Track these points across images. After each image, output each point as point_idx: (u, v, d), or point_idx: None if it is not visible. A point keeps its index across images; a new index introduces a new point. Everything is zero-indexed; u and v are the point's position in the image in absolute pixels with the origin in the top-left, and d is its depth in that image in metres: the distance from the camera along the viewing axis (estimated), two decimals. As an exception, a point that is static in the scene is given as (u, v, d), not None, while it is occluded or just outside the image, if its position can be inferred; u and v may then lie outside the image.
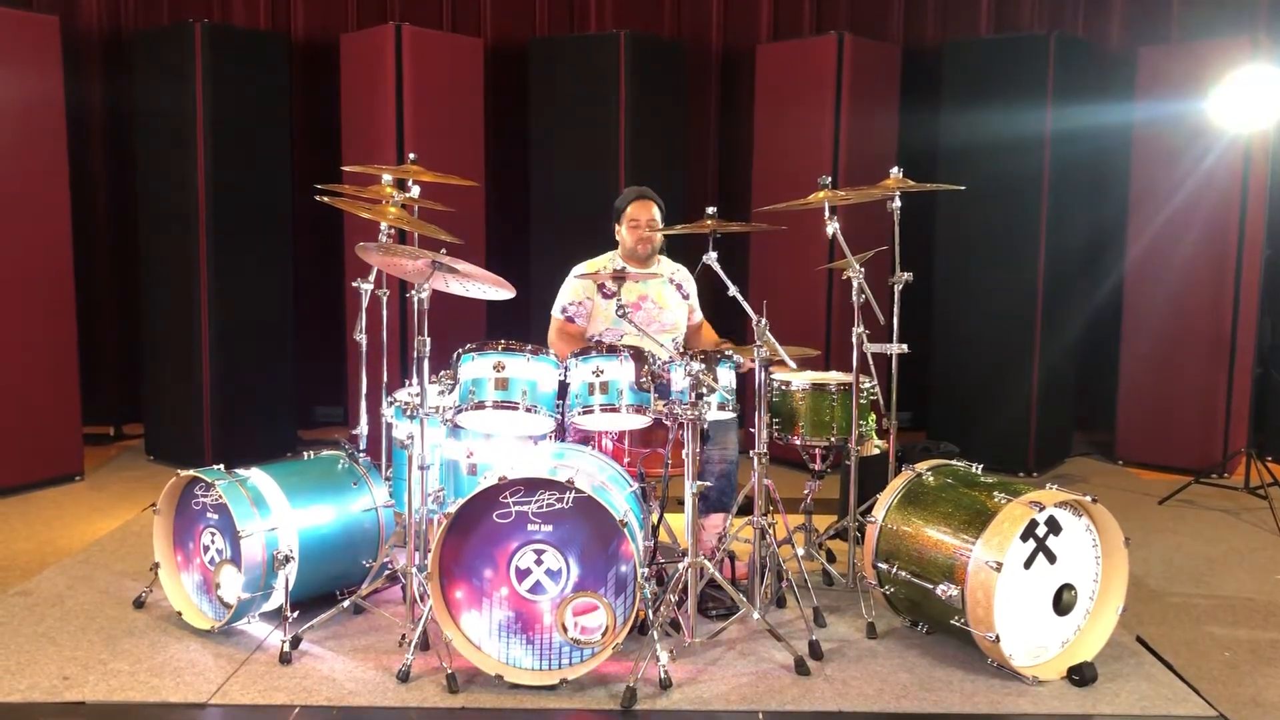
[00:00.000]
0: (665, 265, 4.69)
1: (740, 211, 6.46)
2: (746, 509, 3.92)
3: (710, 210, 3.67)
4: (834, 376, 4.29)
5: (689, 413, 3.41)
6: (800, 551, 4.14)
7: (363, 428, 4.35)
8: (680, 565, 3.52)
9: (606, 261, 4.68)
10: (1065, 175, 6.30)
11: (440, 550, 3.34)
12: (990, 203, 6.24)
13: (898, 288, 4.26)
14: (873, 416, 4.21)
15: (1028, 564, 3.38)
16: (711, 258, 3.59)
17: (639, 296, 4.54)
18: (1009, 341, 6.41)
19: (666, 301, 4.61)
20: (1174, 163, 6.35)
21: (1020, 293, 6.34)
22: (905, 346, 4.22)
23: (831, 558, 4.47)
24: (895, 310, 4.26)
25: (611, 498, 3.35)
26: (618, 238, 4.63)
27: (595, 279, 4.58)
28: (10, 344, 5.77)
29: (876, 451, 4.24)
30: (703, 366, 3.40)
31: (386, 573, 3.93)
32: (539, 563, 3.32)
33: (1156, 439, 6.65)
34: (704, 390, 3.43)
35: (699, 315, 4.79)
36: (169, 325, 6.45)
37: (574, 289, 4.65)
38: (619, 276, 3.64)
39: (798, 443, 4.18)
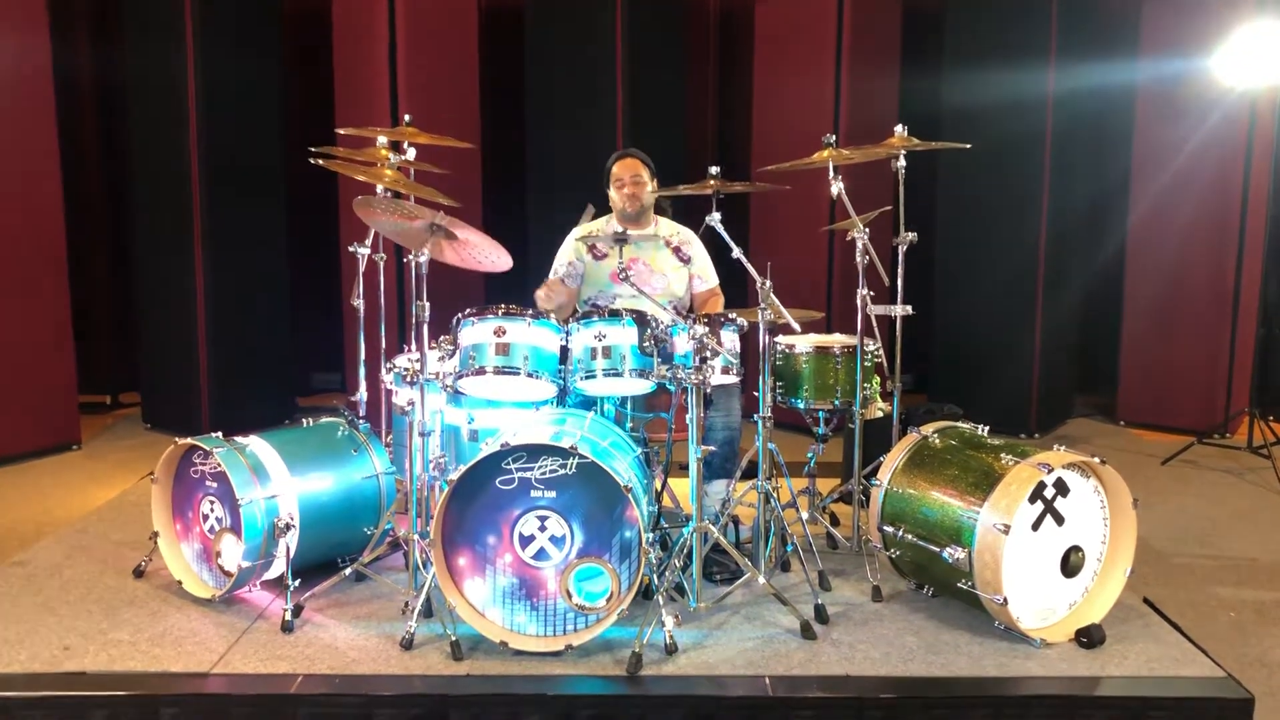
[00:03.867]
0: (665, 227, 4.62)
1: (740, 172, 6.39)
2: (750, 473, 3.89)
3: (713, 170, 3.61)
4: (837, 339, 4.24)
5: (693, 377, 3.36)
6: (804, 516, 4.11)
7: (362, 394, 4.31)
8: (685, 530, 3.49)
9: (603, 224, 4.62)
10: (1068, 135, 6.24)
11: (442, 517, 3.30)
12: (992, 164, 6.18)
13: (902, 248, 4.21)
14: (877, 379, 4.17)
15: (1035, 526, 3.35)
16: (715, 219, 3.53)
17: (630, 259, 4.47)
18: (1011, 303, 6.37)
19: (660, 265, 4.53)
20: (1178, 121, 6.29)
21: (1022, 254, 6.29)
22: (910, 308, 4.18)
23: (835, 521, 4.44)
24: (899, 271, 4.21)
25: (615, 463, 3.31)
26: (610, 202, 4.57)
27: (588, 240, 4.52)
28: (3, 313, 5.72)
29: (880, 414, 4.21)
30: (706, 330, 3.35)
31: (388, 540, 3.90)
32: (543, 529, 3.29)
33: (1158, 399, 6.66)
34: (707, 354, 3.38)
35: (708, 283, 4.62)
36: (164, 294, 6.43)
37: (568, 250, 4.60)
38: (619, 239, 3.57)
39: (801, 406, 4.14)
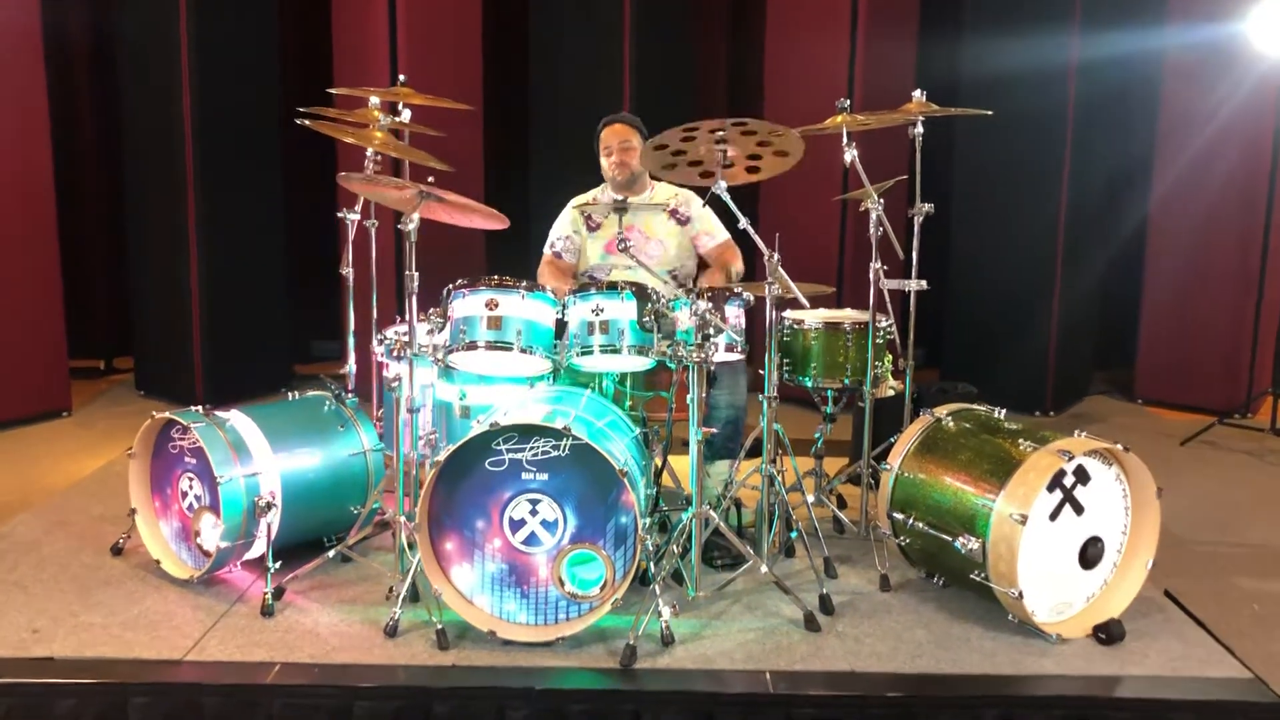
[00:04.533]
0: (663, 191, 4.42)
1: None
2: (755, 452, 3.73)
3: (717, 127, 3.39)
4: (848, 314, 4.06)
5: (695, 355, 3.18)
6: (811, 499, 3.93)
7: (350, 367, 4.15)
8: (684, 515, 3.32)
9: (598, 193, 4.43)
10: (1091, 105, 6.01)
11: (429, 500, 3.14)
12: (1011, 134, 5.95)
13: (918, 220, 4.02)
14: (889, 357, 3.99)
15: (1053, 516, 3.17)
16: (721, 187, 3.33)
17: (625, 227, 4.29)
18: (1028, 277, 6.17)
19: (655, 230, 4.35)
20: (1207, 91, 6.06)
21: (1041, 227, 6.09)
22: (924, 283, 4.00)
23: (843, 504, 4.27)
24: (915, 244, 4.02)
25: (611, 445, 3.14)
26: (602, 169, 4.38)
27: (583, 211, 4.34)
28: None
29: (891, 393, 4.04)
30: (710, 305, 3.16)
31: (376, 519, 3.74)
32: (534, 513, 3.12)
33: (1178, 378, 6.45)
34: (711, 330, 3.20)
35: (717, 237, 4.41)
36: (157, 257, 6.26)
37: (564, 222, 4.43)
38: (619, 208, 3.38)
39: (809, 385, 3.96)
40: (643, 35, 6.04)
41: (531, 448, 3.10)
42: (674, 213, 4.35)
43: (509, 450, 3.11)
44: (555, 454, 3.10)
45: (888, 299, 3.88)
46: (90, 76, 6.93)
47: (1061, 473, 3.14)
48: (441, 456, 3.09)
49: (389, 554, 3.67)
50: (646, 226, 4.31)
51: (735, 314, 3.48)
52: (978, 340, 6.37)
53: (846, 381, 3.91)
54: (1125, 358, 6.84)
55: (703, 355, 3.18)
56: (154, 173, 6.14)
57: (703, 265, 4.48)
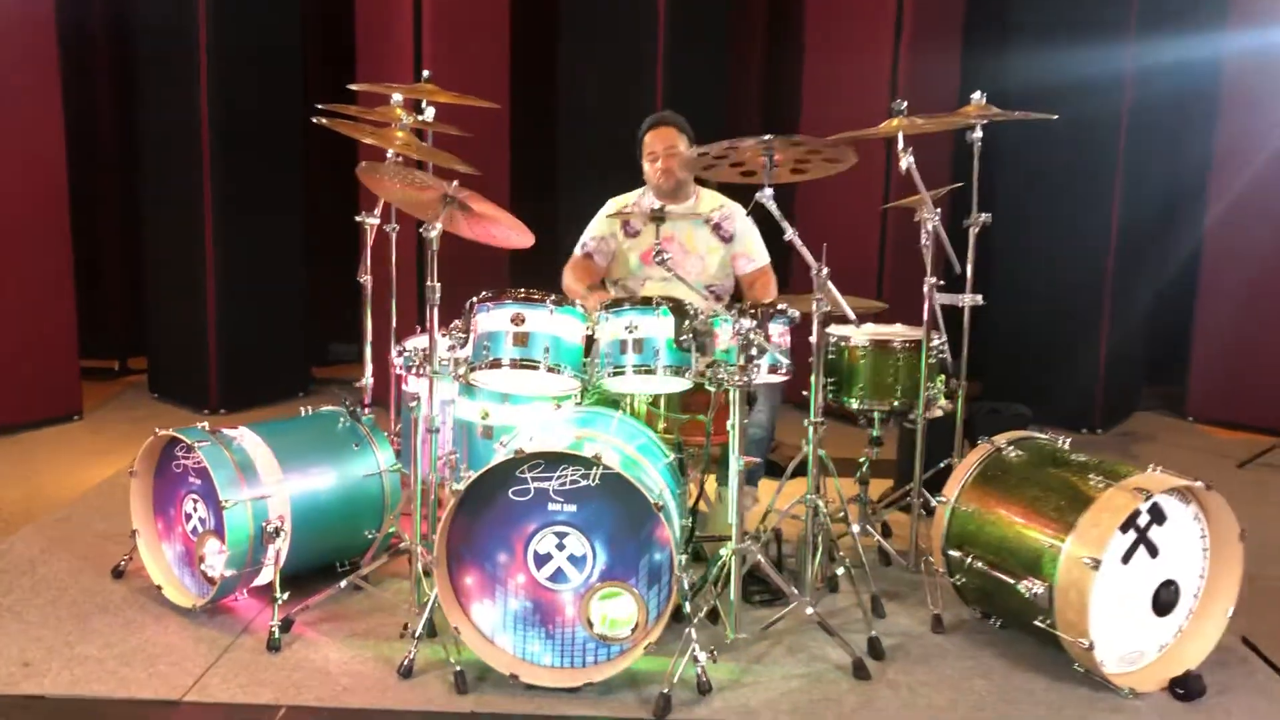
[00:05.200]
0: (708, 201, 4.16)
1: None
2: (791, 472, 3.49)
3: (767, 139, 3.15)
4: (898, 331, 3.80)
5: (737, 377, 2.92)
6: (856, 528, 3.67)
7: (367, 380, 3.93)
8: (723, 551, 3.07)
9: (637, 197, 4.18)
10: (1146, 114, 5.72)
11: (448, 531, 2.90)
12: (1061, 143, 5.66)
13: (974, 231, 3.77)
14: (940, 378, 3.73)
15: (1126, 558, 2.90)
16: (766, 195, 3.07)
17: (663, 238, 4.03)
18: (1078, 291, 5.90)
19: (696, 244, 4.09)
20: (1268, 100, 5.75)
21: (1092, 240, 5.81)
22: (980, 298, 3.74)
23: (887, 531, 4.02)
24: (970, 256, 3.77)
25: (645, 475, 2.90)
26: (644, 174, 4.13)
27: (621, 216, 4.09)
28: (1, 276, 5.37)
29: (940, 413, 3.77)
30: (754, 324, 2.90)
31: (392, 545, 3.51)
32: (561, 547, 2.88)
33: (1234, 394, 6.15)
34: (754, 351, 2.94)
35: (757, 261, 4.16)
36: (172, 257, 6.08)
37: (600, 224, 4.17)
38: (657, 216, 3.12)
39: (855, 406, 3.71)
40: (676, 27, 5.80)
41: (559, 476, 2.86)
42: (717, 227, 4.09)
43: (535, 479, 2.87)
44: (585, 484, 2.86)
45: (939, 316, 3.63)
46: (108, 71, 6.74)
47: (1136, 512, 2.87)
48: (461, 486, 2.85)
49: (404, 580, 3.44)
50: (687, 239, 4.06)
51: (779, 332, 3.22)
52: (1024, 356, 6.09)
53: (897, 404, 3.66)
54: (1176, 373, 6.54)
55: (746, 378, 2.92)
56: (171, 170, 5.95)
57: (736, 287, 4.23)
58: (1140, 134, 5.74)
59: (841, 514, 3.65)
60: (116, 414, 6.02)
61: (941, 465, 3.91)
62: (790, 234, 3.10)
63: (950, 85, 5.93)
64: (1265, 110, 5.77)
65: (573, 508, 2.87)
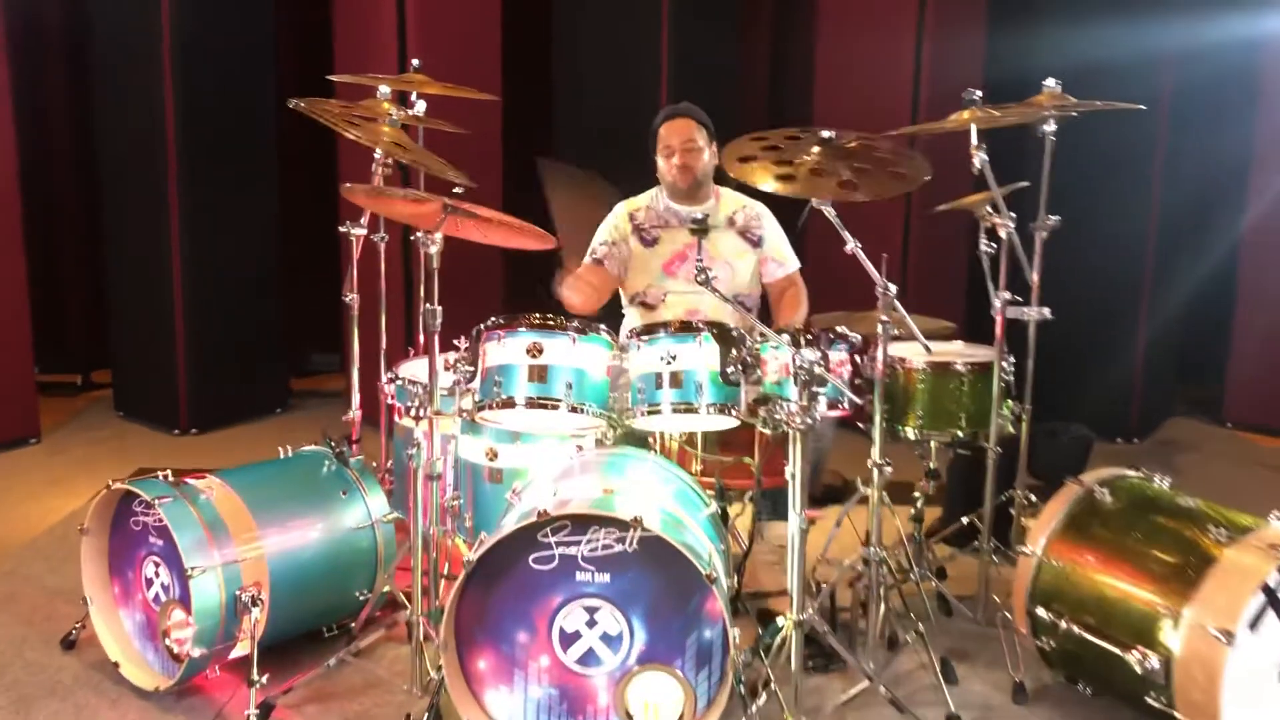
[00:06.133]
0: (729, 202, 3.69)
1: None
2: (829, 498, 3.08)
3: (825, 135, 2.69)
4: (959, 351, 3.36)
5: (799, 419, 2.46)
6: (916, 575, 3.23)
7: (354, 412, 3.45)
8: (780, 619, 2.62)
9: (652, 198, 3.71)
10: (1188, 101, 5.31)
11: (457, 607, 2.45)
12: (1096, 136, 5.23)
13: (1040, 235, 3.33)
14: (1009, 403, 3.29)
15: (1254, 624, 2.47)
16: (825, 201, 2.62)
17: (684, 245, 3.57)
18: (1114, 294, 5.50)
19: (723, 250, 3.60)
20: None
21: (1129, 240, 5.42)
22: (1048, 311, 3.31)
23: (942, 573, 3.57)
24: (1036, 264, 3.33)
25: (690, 536, 2.45)
26: (658, 172, 3.66)
27: (636, 218, 3.64)
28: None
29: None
30: (819, 356, 2.44)
31: (385, 613, 3.05)
32: (592, 624, 2.43)
33: (1275, 400, 5.76)
34: (815, 386, 2.49)
35: (786, 267, 3.69)
36: (136, 265, 5.60)
37: (610, 226, 3.69)
38: (698, 228, 2.64)
39: (912, 436, 3.27)
40: (683, 16, 5.34)
41: (589, 540, 2.41)
42: (744, 231, 3.63)
43: (560, 543, 2.42)
44: (620, 548, 2.40)
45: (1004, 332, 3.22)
46: (64, 64, 6.26)
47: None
48: (473, 554, 2.39)
49: (402, 647, 2.98)
50: (713, 246, 3.57)
51: (839, 360, 2.77)
52: (1057, 360, 5.66)
53: (961, 434, 3.22)
54: (1210, 374, 6.18)
55: (808, 421, 2.46)
56: (134, 169, 5.48)
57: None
58: (1181, 123, 5.34)
59: (899, 561, 3.21)
60: (77, 435, 5.51)
61: (1005, 499, 3.48)
62: (852, 245, 2.65)
63: (973, 70, 5.50)
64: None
65: (605, 577, 2.42)
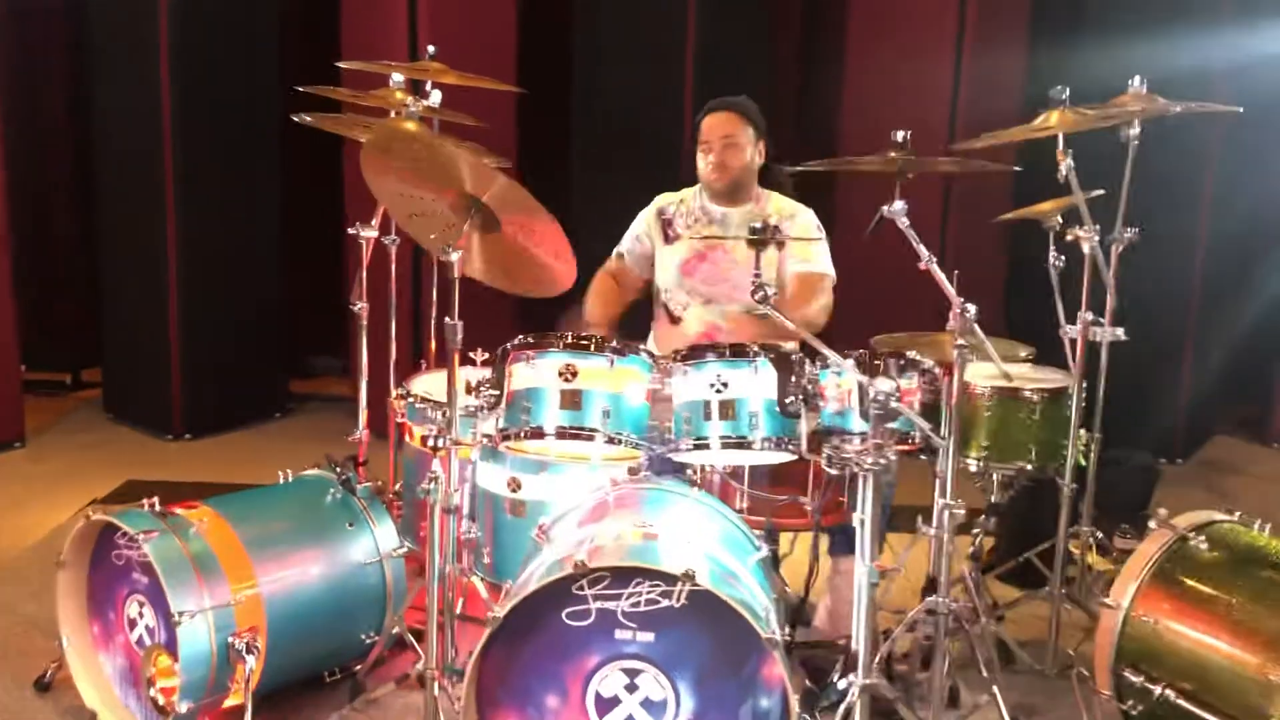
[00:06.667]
0: (776, 205, 3.37)
1: (825, 151, 5.13)
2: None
3: (899, 135, 2.40)
4: (1026, 375, 3.07)
5: (870, 459, 2.16)
6: (981, 623, 2.94)
7: (360, 432, 3.16)
8: (843, 683, 2.33)
9: (690, 196, 3.41)
10: (1240, 117, 5.06)
11: (480, 667, 2.16)
12: (1145, 152, 5.01)
13: (1116, 249, 3.05)
14: (1083, 433, 3.01)
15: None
16: (898, 209, 2.33)
17: (706, 245, 3.27)
18: (1162, 311, 5.23)
19: (743, 254, 3.30)
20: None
21: (1177, 254, 5.17)
22: (1121, 331, 3.04)
23: (1000, 617, 3.28)
24: (1112, 282, 3.06)
25: (744, 590, 2.16)
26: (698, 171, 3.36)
27: (663, 215, 3.35)
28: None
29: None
30: (894, 388, 2.15)
31: (396, 652, 2.77)
32: (632, 689, 2.14)
33: (1324, 418, 5.55)
34: (888, 421, 2.20)
35: (810, 265, 3.26)
36: (131, 261, 5.40)
37: (639, 221, 3.41)
38: (758, 240, 2.35)
39: (974, 466, 2.98)
40: (710, 14, 5.09)
41: (631, 594, 2.12)
42: (775, 229, 3.31)
43: (597, 596, 2.13)
44: (665, 604, 2.11)
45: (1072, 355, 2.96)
46: (60, 51, 6.06)
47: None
48: (500, 610, 2.10)
49: (414, 696, 2.70)
50: (736, 249, 3.27)
51: (908, 388, 2.47)
52: (1095, 378, 5.49)
53: (1030, 467, 2.94)
54: (1254, 392, 5.98)
55: (881, 461, 2.17)
56: (129, 159, 5.26)
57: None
58: (1232, 141, 5.13)
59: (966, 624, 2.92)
60: (64, 439, 5.25)
61: (1071, 534, 3.20)
62: (926, 260, 2.35)
63: (1015, 82, 5.32)
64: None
65: (649, 636, 2.13)
